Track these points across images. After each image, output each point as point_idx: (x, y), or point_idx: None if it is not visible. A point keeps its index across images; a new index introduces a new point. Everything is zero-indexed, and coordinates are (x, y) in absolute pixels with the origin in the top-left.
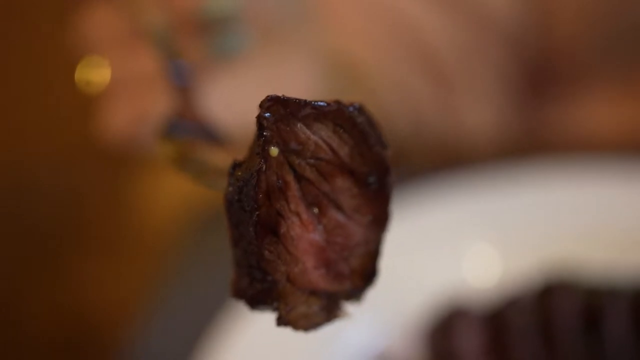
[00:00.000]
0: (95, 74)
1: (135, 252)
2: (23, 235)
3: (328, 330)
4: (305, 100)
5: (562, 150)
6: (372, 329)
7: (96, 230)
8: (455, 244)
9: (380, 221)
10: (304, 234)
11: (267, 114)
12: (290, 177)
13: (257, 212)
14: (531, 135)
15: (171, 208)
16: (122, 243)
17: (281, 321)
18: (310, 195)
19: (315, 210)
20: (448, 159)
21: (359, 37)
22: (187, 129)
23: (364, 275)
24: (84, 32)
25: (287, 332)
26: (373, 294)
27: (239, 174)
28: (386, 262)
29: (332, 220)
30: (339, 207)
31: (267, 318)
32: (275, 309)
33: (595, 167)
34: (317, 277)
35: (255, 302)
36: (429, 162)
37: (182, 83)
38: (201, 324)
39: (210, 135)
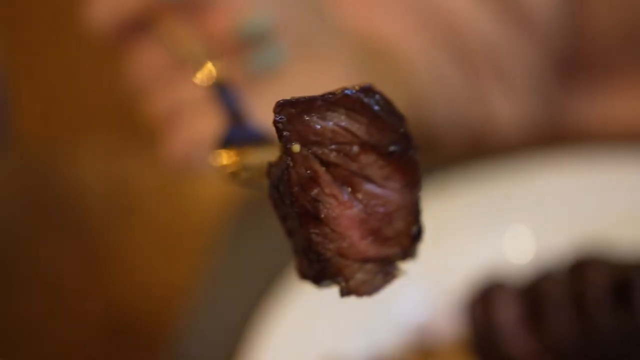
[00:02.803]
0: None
1: (183, 241)
2: (72, 224)
3: (373, 304)
4: (312, 96)
5: (588, 140)
6: (416, 303)
7: (146, 218)
8: (493, 224)
9: (412, 183)
10: (343, 211)
11: (279, 117)
12: (317, 166)
13: (296, 204)
14: (557, 127)
15: (219, 197)
16: (169, 231)
17: (344, 292)
18: (340, 177)
19: (349, 189)
20: (480, 147)
21: (396, 25)
22: (240, 139)
23: (410, 234)
24: (131, 73)
25: (330, 314)
26: (417, 270)
27: (273, 173)
28: (430, 240)
29: (367, 194)
30: (370, 180)
31: (310, 299)
32: (337, 283)
33: (622, 154)
34: (365, 246)
35: (319, 280)
36: (463, 149)
37: (229, 102)
38: (245, 313)
39: (262, 140)
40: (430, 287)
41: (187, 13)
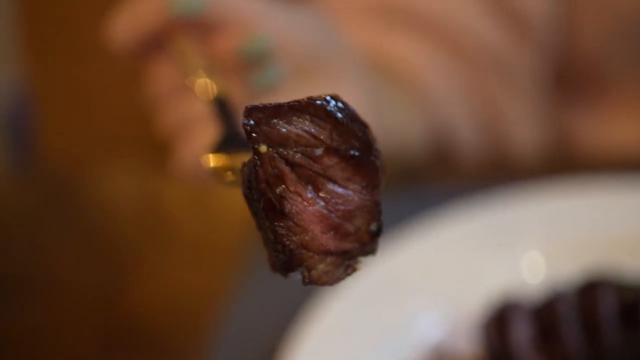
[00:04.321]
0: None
1: (211, 256)
2: (107, 237)
3: (394, 325)
4: (279, 102)
5: (590, 163)
6: (435, 323)
7: (174, 233)
8: (508, 248)
9: (372, 184)
10: (306, 207)
11: (248, 120)
12: (282, 166)
13: (263, 199)
14: (562, 146)
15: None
16: (198, 246)
17: (306, 281)
18: (304, 176)
19: (312, 187)
20: (496, 165)
21: (403, 41)
22: (232, 146)
23: (369, 231)
24: (146, 89)
25: (353, 333)
26: (436, 291)
27: (244, 171)
28: (448, 263)
29: (329, 192)
30: (332, 181)
31: (334, 318)
32: (300, 273)
33: (628, 179)
34: (326, 240)
35: (285, 270)
36: (480, 166)
37: (225, 114)
38: (272, 331)
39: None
40: (449, 308)
41: (197, 32)
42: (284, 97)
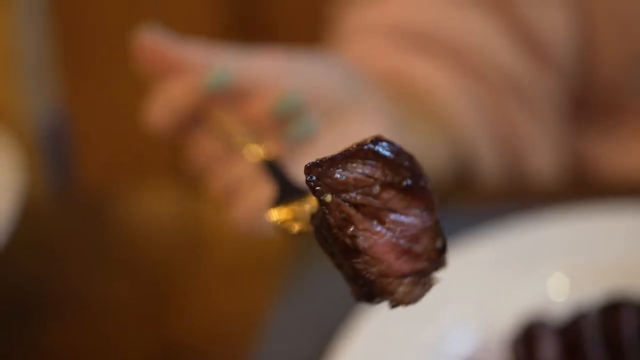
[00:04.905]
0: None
1: (249, 281)
2: (144, 261)
3: (428, 341)
4: (332, 155)
5: (607, 187)
6: (467, 340)
7: (213, 257)
8: (534, 270)
9: (429, 207)
10: (377, 240)
11: (310, 177)
12: (348, 209)
13: (337, 242)
14: (576, 169)
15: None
16: (236, 270)
17: (392, 304)
18: (369, 213)
19: (378, 221)
20: (517, 188)
21: (424, 64)
22: (288, 197)
23: (435, 248)
24: (192, 158)
25: (388, 343)
26: (467, 309)
27: (315, 221)
28: (477, 283)
29: (394, 222)
30: (394, 211)
31: (369, 334)
32: (385, 299)
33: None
34: (401, 265)
35: (370, 299)
36: (501, 189)
37: (276, 172)
38: (310, 347)
39: (305, 194)
40: (479, 325)
41: (230, 103)
42: (316, 142)
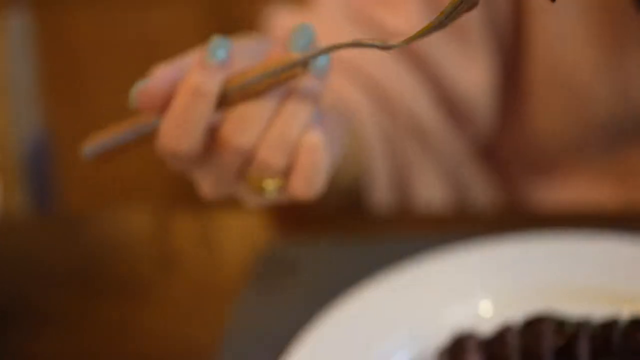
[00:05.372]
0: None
1: (216, 293)
2: (117, 273)
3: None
4: None
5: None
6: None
7: (183, 273)
8: (466, 295)
9: None
10: None
11: None
12: None
13: None
14: (515, 209)
15: (248, 254)
16: (204, 284)
17: None
18: None
19: None
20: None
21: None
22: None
23: None
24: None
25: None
26: (403, 335)
27: None
28: (411, 309)
29: None
30: None
31: (317, 352)
32: None
33: (574, 235)
34: None
35: None
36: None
37: None
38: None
39: None
40: (415, 347)
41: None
42: None
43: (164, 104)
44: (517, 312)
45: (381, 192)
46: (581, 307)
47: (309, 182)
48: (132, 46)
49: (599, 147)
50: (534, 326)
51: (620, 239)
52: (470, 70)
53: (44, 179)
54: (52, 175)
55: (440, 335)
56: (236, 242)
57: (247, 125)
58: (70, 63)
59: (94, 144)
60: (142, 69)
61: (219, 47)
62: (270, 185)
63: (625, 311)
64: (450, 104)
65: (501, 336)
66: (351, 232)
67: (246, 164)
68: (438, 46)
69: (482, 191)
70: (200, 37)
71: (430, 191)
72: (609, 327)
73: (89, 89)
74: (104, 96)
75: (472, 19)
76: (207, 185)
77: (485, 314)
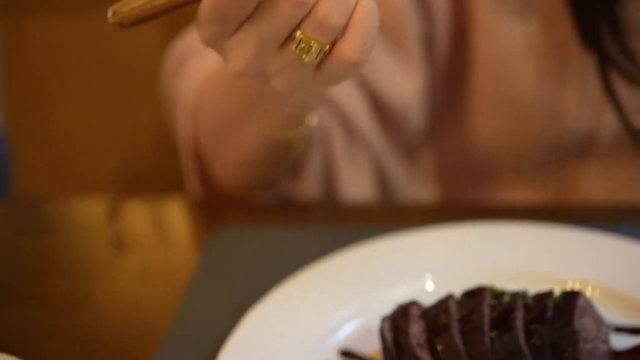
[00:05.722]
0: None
1: (165, 275)
2: (69, 254)
3: (321, 334)
4: None
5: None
6: (349, 331)
7: (136, 258)
8: (409, 271)
9: None
10: None
11: None
12: None
13: None
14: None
15: (195, 234)
16: (156, 268)
17: None
18: None
19: None
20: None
21: None
22: None
23: None
24: None
25: (282, 341)
26: (353, 309)
27: None
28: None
29: None
30: None
31: (264, 327)
32: None
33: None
34: None
35: None
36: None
37: None
38: (217, 332)
39: None
40: (364, 320)
41: None
42: None
43: None
44: (457, 289)
45: (311, 179)
46: (515, 287)
47: (362, 43)
48: (90, 51)
49: (536, 161)
50: (474, 296)
51: (548, 228)
52: (403, 78)
53: (3, 170)
54: (12, 165)
55: (387, 308)
56: (186, 228)
57: None
58: (30, 66)
59: (123, 4)
60: (98, 74)
61: None
62: (316, 49)
63: (556, 290)
64: (381, 107)
65: (442, 305)
66: (293, 219)
67: (302, 20)
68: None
69: (411, 190)
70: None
71: (355, 185)
72: (542, 298)
73: (46, 89)
74: (61, 95)
75: (408, 30)
76: (242, 55)
77: (428, 289)
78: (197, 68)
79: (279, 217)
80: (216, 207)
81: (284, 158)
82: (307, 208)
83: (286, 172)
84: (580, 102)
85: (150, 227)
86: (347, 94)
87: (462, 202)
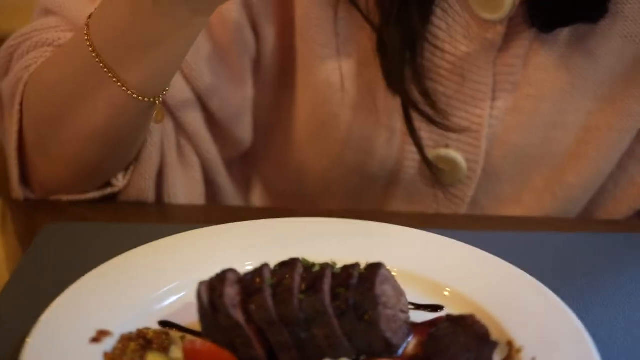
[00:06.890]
0: None
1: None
2: None
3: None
4: None
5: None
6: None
7: None
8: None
9: None
10: None
11: None
12: None
13: None
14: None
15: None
16: None
17: None
18: None
19: None
20: None
21: None
22: None
23: None
24: None
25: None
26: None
27: None
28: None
29: None
30: None
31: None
32: None
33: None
34: None
35: None
36: None
37: None
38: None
39: None
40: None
41: None
42: None
43: None
44: None
45: (146, 176)
46: None
47: None
48: None
49: (347, 186)
50: (287, 266)
51: (352, 223)
52: (232, 89)
53: None
54: None
55: None
56: (15, 224)
57: None
58: None
59: None
60: None
61: None
62: None
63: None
64: (212, 116)
65: (258, 272)
66: (120, 219)
67: None
68: (208, 67)
69: (232, 196)
70: None
71: (180, 188)
72: (349, 268)
73: None
74: None
75: (233, 47)
76: None
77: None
78: (20, 67)
79: (107, 217)
80: (43, 208)
81: (134, 129)
82: (135, 208)
83: (125, 157)
84: (389, 137)
85: None
86: (185, 105)
87: (286, 208)
